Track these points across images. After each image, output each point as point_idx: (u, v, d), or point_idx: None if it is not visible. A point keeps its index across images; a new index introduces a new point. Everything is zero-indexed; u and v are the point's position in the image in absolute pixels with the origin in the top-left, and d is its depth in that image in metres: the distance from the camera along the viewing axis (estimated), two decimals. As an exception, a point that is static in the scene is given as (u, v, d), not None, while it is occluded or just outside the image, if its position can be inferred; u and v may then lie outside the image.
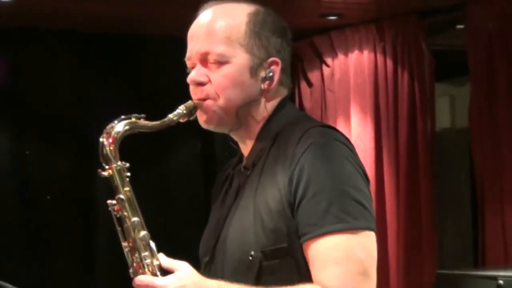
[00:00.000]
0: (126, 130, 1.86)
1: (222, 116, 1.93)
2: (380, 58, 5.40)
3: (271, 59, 1.94)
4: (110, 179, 1.85)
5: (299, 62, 5.86)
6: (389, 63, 5.37)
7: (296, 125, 1.90)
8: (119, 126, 1.85)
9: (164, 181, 5.62)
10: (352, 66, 5.54)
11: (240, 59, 1.92)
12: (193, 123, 1.95)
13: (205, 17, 1.94)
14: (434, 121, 5.35)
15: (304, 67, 5.93)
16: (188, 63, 1.97)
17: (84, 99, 5.32)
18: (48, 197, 5.26)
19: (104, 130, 1.86)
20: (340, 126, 5.45)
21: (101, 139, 1.85)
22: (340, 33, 5.63)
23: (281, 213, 1.82)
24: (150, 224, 1.82)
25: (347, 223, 1.76)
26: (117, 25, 5.17)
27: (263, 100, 1.95)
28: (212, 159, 5.58)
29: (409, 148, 5.25)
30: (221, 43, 1.91)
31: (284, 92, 2.00)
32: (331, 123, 4.83)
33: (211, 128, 1.96)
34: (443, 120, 6.04)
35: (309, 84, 5.93)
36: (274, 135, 1.93)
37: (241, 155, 2.02)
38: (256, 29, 1.93)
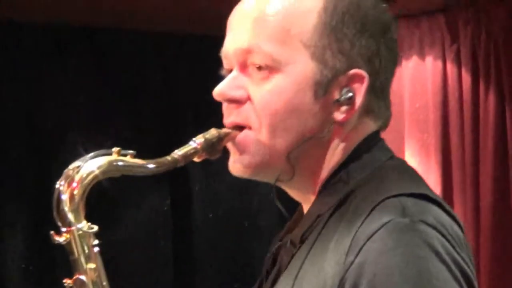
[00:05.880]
0: (102, 173, 1.50)
1: (265, 157, 1.56)
2: (451, 68, 4.53)
3: (353, 71, 1.54)
4: (67, 247, 1.54)
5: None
6: (466, 76, 4.50)
7: (380, 182, 1.51)
8: (90, 166, 1.51)
9: (112, 252, 4.24)
10: (408, 80, 4.70)
11: (300, 68, 1.53)
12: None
13: None
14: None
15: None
16: (224, 63, 1.62)
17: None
18: None
19: (64, 172, 1.53)
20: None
21: (57, 185, 1.53)
22: (390, 28, 4.67)
23: None
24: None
25: None
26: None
27: (334, 137, 1.57)
28: (187, 220, 4.45)
29: (496, 211, 4.36)
30: (273, 39, 1.53)
31: (371, 126, 1.60)
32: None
33: (246, 175, 1.58)
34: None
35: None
36: (344, 195, 1.53)
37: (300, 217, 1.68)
38: (334, 22, 1.55)
